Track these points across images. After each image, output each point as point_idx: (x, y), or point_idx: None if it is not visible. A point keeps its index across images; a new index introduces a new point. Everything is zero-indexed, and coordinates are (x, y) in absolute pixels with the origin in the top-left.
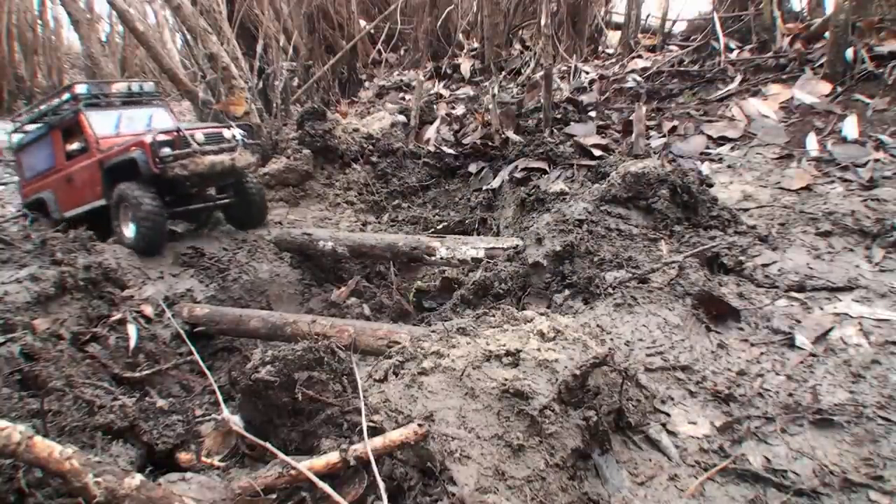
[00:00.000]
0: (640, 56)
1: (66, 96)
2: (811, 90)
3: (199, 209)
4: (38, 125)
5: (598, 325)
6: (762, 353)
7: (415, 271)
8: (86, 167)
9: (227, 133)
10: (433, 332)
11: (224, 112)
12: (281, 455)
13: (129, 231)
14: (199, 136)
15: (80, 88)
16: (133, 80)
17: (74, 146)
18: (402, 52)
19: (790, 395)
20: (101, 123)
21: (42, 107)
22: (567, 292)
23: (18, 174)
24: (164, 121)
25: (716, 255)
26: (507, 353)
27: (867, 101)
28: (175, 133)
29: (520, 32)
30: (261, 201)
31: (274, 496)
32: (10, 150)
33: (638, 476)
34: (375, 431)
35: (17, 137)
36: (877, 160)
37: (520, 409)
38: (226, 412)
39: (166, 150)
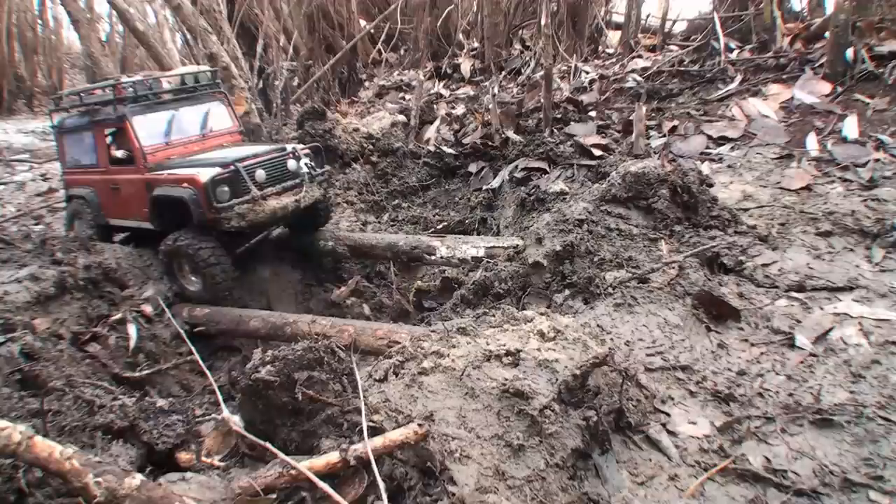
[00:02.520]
0: (640, 56)
1: (110, 93)
2: (811, 90)
3: (261, 240)
4: (81, 112)
5: (598, 325)
6: (762, 353)
7: (415, 271)
8: (132, 182)
9: (291, 164)
10: (433, 332)
11: None
12: (281, 455)
13: (192, 286)
14: (261, 173)
15: (126, 87)
16: (188, 69)
17: (120, 153)
18: (402, 52)
19: (790, 395)
20: (149, 130)
21: (84, 95)
22: (567, 292)
23: (59, 157)
24: (221, 119)
25: (716, 255)
26: (507, 353)
27: (867, 101)
28: (233, 171)
29: (520, 32)
30: (326, 211)
31: (274, 496)
32: (53, 129)
33: (638, 476)
34: (375, 431)
35: (58, 117)
36: (877, 160)
37: (520, 409)
38: (226, 412)
39: (224, 191)
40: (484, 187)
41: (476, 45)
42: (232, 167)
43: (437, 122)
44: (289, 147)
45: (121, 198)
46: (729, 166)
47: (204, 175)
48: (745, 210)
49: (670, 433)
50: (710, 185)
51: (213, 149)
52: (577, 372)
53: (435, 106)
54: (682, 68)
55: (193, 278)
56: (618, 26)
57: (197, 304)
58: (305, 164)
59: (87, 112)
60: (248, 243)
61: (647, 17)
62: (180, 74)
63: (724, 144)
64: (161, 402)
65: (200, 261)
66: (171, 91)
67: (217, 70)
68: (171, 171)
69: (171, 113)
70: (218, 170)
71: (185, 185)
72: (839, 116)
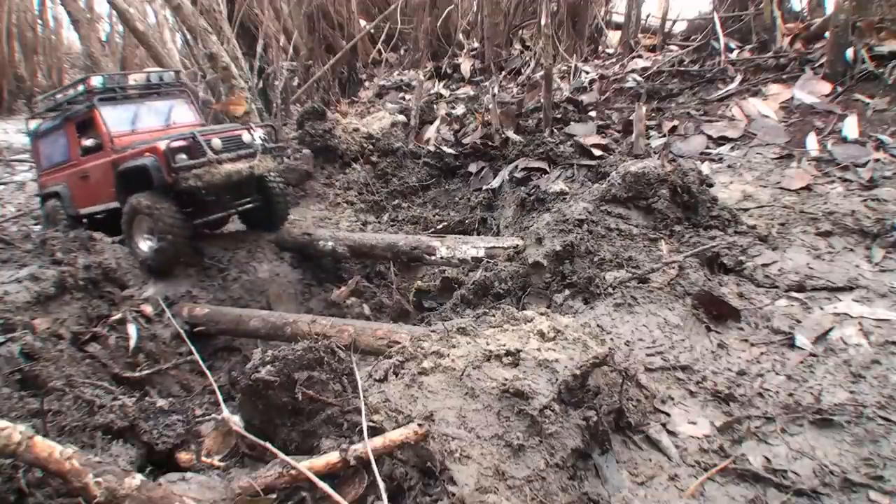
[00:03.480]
0: (640, 56)
1: (80, 88)
2: (811, 90)
3: (220, 217)
4: (55, 114)
5: (598, 325)
6: (762, 353)
7: (415, 271)
8: (100, 166)
9: (246, 137)
10: (433, 331)
11: (224, 112)
12: (281, 455)
13: (144, 245)
14: (216, 141)
15: (96, 81)
16: (153, 70)
17: (89, 142)
18: (402, 52)
19: (790, 395)
20: (116, 119)
21: (59, 96)
22: (567, 292)
23: (35, 163)
24: (184, 114)
25: (716, 255)
26: (507, 353)
27: (867, 101)
28: (191, 139)
29: (520, 32)
30: (284, 203)
31: (274, 496)
32: (29, 136)
33: (638, 476)
34: (375, 431)
35: (34, 124)
36: (877, 160)
37: (520, 409)
38: (226, 412)
39: (182, 158)
40: (484, 187)
41: (476, 45)
42: (189, 136)
43: (437, 122)
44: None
45: (90, 184)
46: (729, 166)
47: (163, 144)
48: (745, 210)
49: (670, 433)
50: (710, 185)
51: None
52: (577, 372)
53: (435, 106)
54: (682, 68)
55: (147, 239)
56: (618, 26)
57: (154, 270)
58: (259, 138)
59: (60, 111)
60: (206, 217)
61: (647, 17)
62: (146, 73)
63: (724, 144)
64: (161, 402)
65: (158, 220)
66: (137, 87)
67: (180, 71)
68: (135, 148)
69: (136, 106)
70: (177, 140)
71: (147, 154)
72: (839, 116)
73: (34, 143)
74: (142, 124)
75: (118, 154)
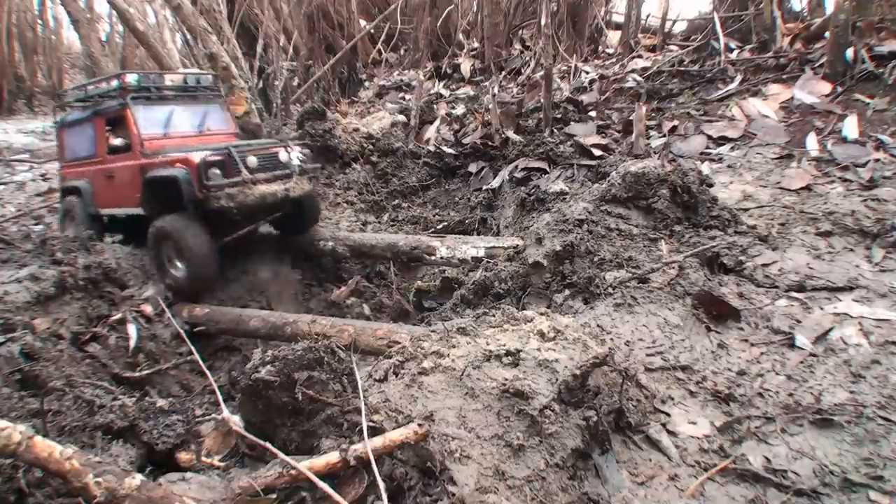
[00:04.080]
0: (640, 56)
1: (114, 83)
2: (811, 90)
3: (249, 232)
4: (84, 106)
5: (598, 325)
6: (762, 353)
7: (415, 271)
8: (126, 168)
9: (283, 156)
10: (433, 332)
11: None
12: (281, 455)
13: (177, 271)
14: (252, 159)
15: (130, 78)
16: (190, 71)
17: (118, 141)
18: (402, 52)
19: (790, 395)
20: (148, 121)
21: (90, 87)
22: (567, 292)
23: (58, 153)
24: (218, 121)
25: (716, 255)
26: (507, 353)
27: (867, 101)
28: (226, 154)
29: (520, 32)
30: (316, 209)
31: (274, 496)
32: (54, 125)
33: (638, 476)
34: (375, 431)
35: (61, 115)
36: (877, 160)
37: (520, 409)
38: (226, 412)
39: (215, 173)
40: (484, 187)
41: (476, 45)
42: (225, 150)
43: (437, 122)
44: (286, 143)
45: (114, 185)
46: (729, 166)
47: (197, 156)
48: (745, 210)
49: (670, 433)
50: (710, 185)
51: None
52: (577, 372)
53: (435, 106)
54: (682, 68)
55: (179, 264)
56: (618, 26)
57: (185, 295)
58: (297, 158)
59: (90, 104)
60: (234, 234)
61: (647, 17)
62: (183, 74)
63: (724, 144)
64: (161, 402)
65: (185, 246)
66: (173, 88)
67: (218, 74)
68: (164, 156)
69: (170, 108)
70: (211, 153)
71: (179, 165)
72: (839, 116)
73: (59, 133)
74: (174, 128)
75: (147, 159)
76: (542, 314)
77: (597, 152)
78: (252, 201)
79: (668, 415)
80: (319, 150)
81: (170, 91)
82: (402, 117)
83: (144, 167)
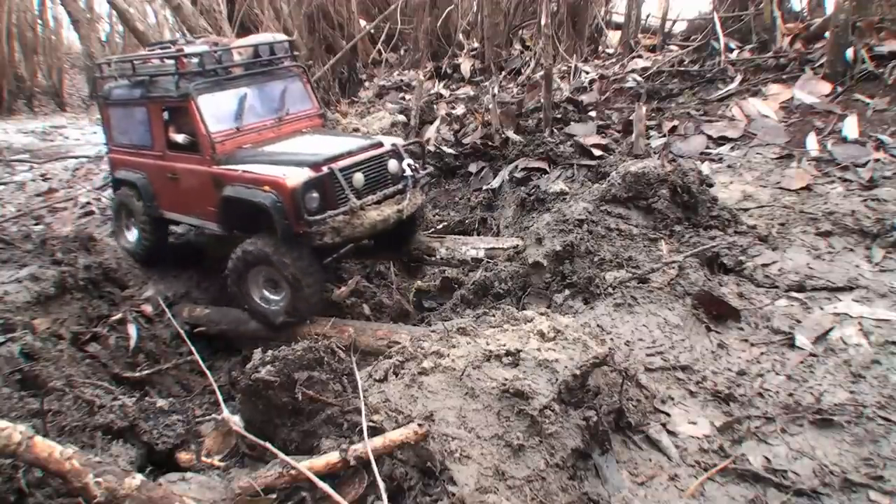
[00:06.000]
0: (640, 56)
1: (170, 64)
2: (811, 90)
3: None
4: (133, 82)
5: (598, 325)
6: (762, 353)
7: (415, 271)
8: (194, 174)
9: (393, 165)
10: (433, 332)
11: None
12: (281, 455)
13: (273, 304)
14: (359, 177)
15: (191, 60)
16: (261, 38)
17: (180, 138)
18: (402, 52)
19: (790, 395)
20: (217, 112)
21: (138, 64)
22: (567, 292)
23: (105, 131)
24: (299, 100)
25: (716, 255)
26: (507, 353)
27: (867, 101)
28: (327, 175)
29: (520, 32)
30: (420, 222)
31: (274, 496)
32: (97, 99)
33: (638, 476)
34: (375, 431)
35: (105, 86)
36: (877, 160)
37: (520, 409)
38: (226, 412)
39: (313, 198)
40: (484, 187)
41: (476, 45)
42: (326, 170)
43: (436, 123)
44: (387, 141)
45: (180, 189)
46: (729, 166)
47: (292, 178)
48: (745, 210)
49: (670, 433)
50: (710, 185)
51: (292, 136)
52: (577, 372)
53: (435, 106)
54: (682, 68)
55: (269, 293)
56: (618, 26)
57: (278, 328)
58: (408, 166)
59: (141, 83)
60: (337, 252)
61: (647, 17)
62: (253, 45)
63: (724, 144)
64: (161, 402)
65: (289, 273)
66: (244, 65)
67: (294, 39)
68: (246, 167)
69: (242, 91)
70: (309, 173)
71: (267, 188)
72: (839, 116)
73: (103, 108)
74: (249, 118)
75: (221, 167)
76: (542, 314)
77: (597, 152)
78: (361, 232)
79: (668, 415)
80: (422, 148)
81: (239, 69)
82: (402, 117)
83: (218, 178)
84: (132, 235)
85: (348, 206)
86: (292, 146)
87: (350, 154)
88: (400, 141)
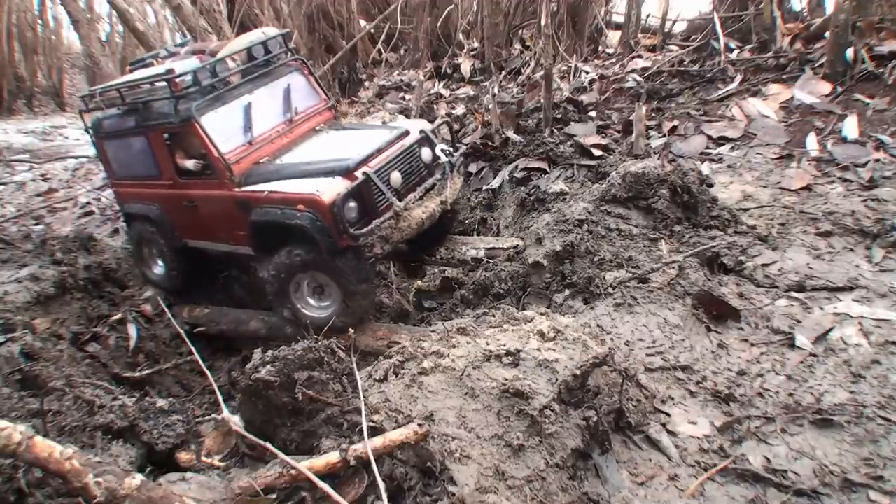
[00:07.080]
0: (640, 56)
1: (162, 86)
2: (811, 90)
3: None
4: (123, 110)
5: (598, 325)
6: (762, 353)
7: (415, 271)
8: (214, 199)
9: (426, 154)
10: (433, 332)
11: None
12: (281, 455)
13: (321, 311)
14: (396, 176)
15: (184, 78)
16: (251, 36)
17: (190, 164)
18: (402, 52)
19: (790, 395)
20: (224, 129)
21: (125, 90)
22: (567, 292)
23: (104, 165)
24: (304, 95)
25: (716, 255)
26: (507, 353)
27: (867, 101)
28: (363, 181)
29: (520, 32)
30: (459, 211)
31: (274, 496)
32: (88, 131)
33: (638, 476)
34: (375, 431)
35: (91, 118)
36: (877, 160)
37: (520, 409)
38: (226, 412)
39: (352, 208)
40: (484, 187)
41: (476, 45)
42: (361, 175)
43: (437, 122)
44: (413, 127)
45: (201, 217)
46: (729, 166)
47: (326, 192)
48: (745, 210)
49: (670, 433)
50: (710, 185)
51: (308, 138)
52: (577, 372)
53: (435, 106)
54: (682, 68)
55: (314, 301)
56: (618, 26)
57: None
58: (442, 151)
59: (133, 110)
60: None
61: (647, 17)
62: (245, 48)
63: (724, 144)
64: (161, 402)
65: (344, 278)
66: (240, 72)
67: (288, 32)
68: (271, 185)
69: (245, 101)
70: (343, 183)
71: (302, 207)
72: (839, 116)
73: (98, 141)
74: (259, 128)
75: (244, 190)
76: (542, 314)
77: (597, 152)
78: (409, 234)
79: (668, 415)
80: (450, 126)
81: (236, 76)
82: (402, 117)
83: (243, 201)
84: (159, 269)
85: (392, 212)
86: (314, 151)
87: (380, 151)
88: (427, 124)
